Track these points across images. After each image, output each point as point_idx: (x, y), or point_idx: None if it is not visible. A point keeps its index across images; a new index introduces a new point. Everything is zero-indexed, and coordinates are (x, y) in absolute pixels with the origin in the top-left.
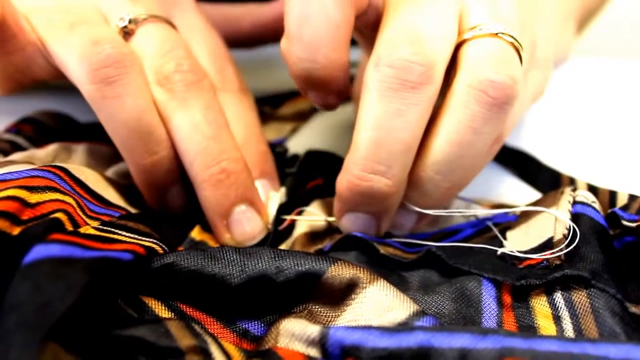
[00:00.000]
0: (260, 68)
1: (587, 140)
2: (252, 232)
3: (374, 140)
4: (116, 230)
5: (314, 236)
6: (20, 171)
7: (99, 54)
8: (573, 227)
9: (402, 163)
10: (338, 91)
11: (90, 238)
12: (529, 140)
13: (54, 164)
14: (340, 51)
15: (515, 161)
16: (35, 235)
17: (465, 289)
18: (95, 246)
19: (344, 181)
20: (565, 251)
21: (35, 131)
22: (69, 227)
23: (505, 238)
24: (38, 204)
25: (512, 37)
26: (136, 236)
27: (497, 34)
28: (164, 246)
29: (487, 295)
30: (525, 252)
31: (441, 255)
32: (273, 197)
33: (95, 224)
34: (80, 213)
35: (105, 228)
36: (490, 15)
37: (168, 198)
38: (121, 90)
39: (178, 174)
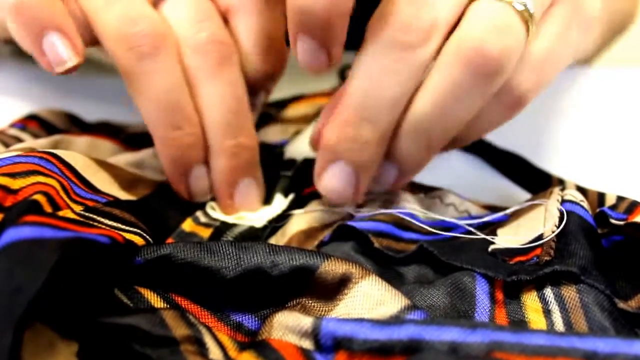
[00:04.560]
0: None
1: (578, 142)
2: (253, 203)
3: (365, 90)
4: (98, 217)
5: (311, 233)
6: (5, 158)
7: (135, 34)
8: (561, 211)
9: (388, 117)
10: (331, 45)
11: (66, 220)
12: (519, 142)
13: (44, 150)
14: None
15: (505, 162)
16: (9, 219)
17: (460, 282)
18: (70, 227)
19: (334, 126)
20: (554, 234)
21: (41, 128)
22: (48, 209)
23: (496, 235)
24: (21, 189)
25: (524, 5)
26: (119, 225)
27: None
28: (148, 237)
29: (481, 290)
30: (515, 249)
31: (433, 252)
32: (280, 200)
33: (79, 208)
34: (64, 196)
35: (87, 214)
36: None
37: (191, 178)
38: (152, 67)
39: (203, 154)
